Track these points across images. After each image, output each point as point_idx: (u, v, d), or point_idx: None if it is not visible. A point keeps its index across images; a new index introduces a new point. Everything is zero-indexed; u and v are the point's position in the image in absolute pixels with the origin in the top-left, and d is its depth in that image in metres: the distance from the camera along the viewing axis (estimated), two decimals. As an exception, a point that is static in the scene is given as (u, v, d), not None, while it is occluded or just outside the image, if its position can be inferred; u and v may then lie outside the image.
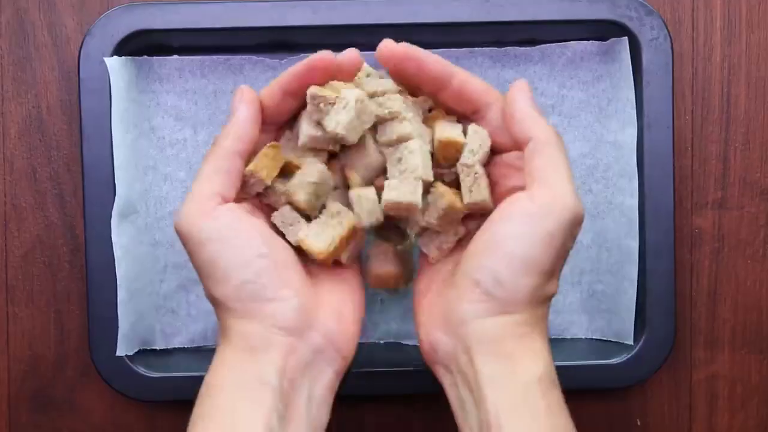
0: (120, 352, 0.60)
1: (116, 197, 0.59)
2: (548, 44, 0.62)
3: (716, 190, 0.64)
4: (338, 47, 0.57)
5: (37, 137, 0.63)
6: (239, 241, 0.49)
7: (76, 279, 0.63)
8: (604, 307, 0.63)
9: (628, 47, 0.60)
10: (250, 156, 0.51)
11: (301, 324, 0.49)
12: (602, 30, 0.61)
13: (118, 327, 0.60)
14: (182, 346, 0.63)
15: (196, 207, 0.49)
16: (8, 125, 0.63)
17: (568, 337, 0.64)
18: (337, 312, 0.51)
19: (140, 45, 0.61)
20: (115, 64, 0.59)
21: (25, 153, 0.63)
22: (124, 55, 0.60)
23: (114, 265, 0.60)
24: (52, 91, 0.63)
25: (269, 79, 0.60)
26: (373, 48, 0.51)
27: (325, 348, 0.50)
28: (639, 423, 0.64)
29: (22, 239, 0.63)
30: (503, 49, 0.62)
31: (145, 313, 0.62)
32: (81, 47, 0.59)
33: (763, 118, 0.64)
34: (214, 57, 0.62)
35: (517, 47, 0.63)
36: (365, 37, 0.61)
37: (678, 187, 0.63)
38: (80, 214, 0.62)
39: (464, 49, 0.62)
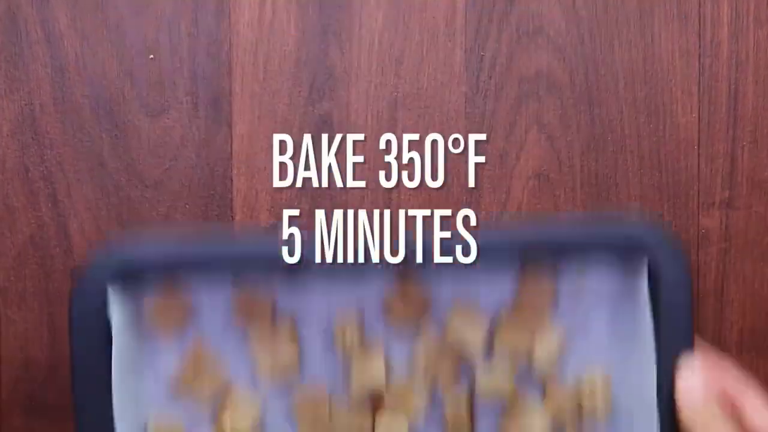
0: None
1: None
2: None
3: (723, 190, 0.64)
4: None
5: (30, 135, 0.62)
6: None
7: (69, 280, 0.63)
8: None
9: None
10: None
11: None
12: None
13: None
14: None
15: None
16: (0, 123, 0.62)
17: None
18: None
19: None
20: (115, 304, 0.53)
21: (17, 151, 0.62)
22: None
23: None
24: (45, 89, 0.62)
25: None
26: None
27: None
28: (645, 427, 0.64)
29: (14, 240, 0.63)
30: None
31: None
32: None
33: (771, 116, 0.64)
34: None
35: None
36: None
37: (684, 186, 0.62)
38: (73, 214, 0.62)
39: None
